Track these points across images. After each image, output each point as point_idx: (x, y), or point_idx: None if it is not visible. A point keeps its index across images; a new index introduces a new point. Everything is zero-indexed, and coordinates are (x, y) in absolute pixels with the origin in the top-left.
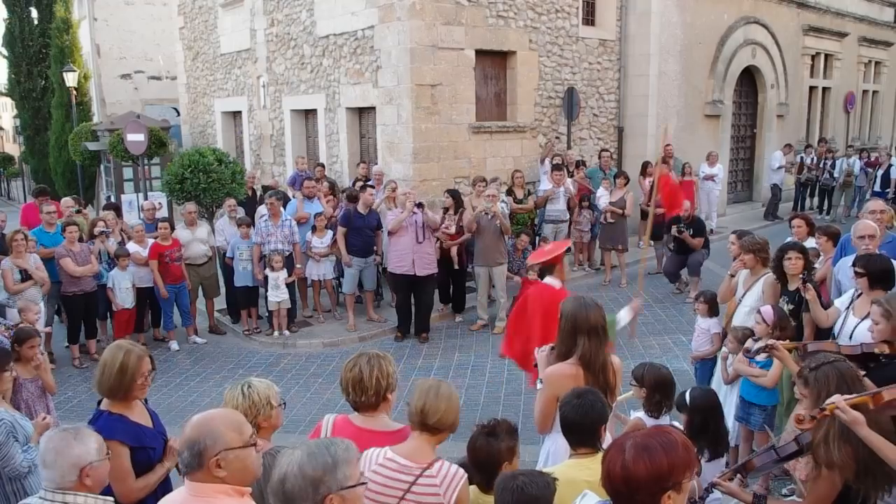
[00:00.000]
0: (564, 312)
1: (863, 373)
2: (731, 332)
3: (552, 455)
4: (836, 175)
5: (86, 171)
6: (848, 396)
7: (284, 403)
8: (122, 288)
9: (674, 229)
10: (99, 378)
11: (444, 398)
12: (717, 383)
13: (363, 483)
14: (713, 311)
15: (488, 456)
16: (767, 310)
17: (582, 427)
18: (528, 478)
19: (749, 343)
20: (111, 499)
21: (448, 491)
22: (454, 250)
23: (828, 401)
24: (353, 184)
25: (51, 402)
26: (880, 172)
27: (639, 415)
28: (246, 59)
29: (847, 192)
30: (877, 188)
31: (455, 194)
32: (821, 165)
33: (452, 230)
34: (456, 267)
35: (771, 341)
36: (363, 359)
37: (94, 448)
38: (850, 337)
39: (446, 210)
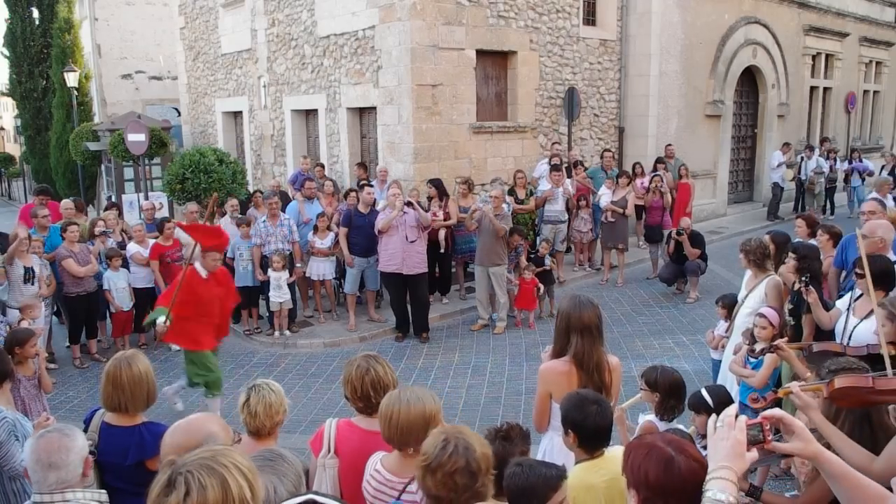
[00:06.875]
0: (560, 310)
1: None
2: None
3: (548, 453)
4: (803, 178)
5: (87, 171)
6: (802, 383)
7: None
8: (118, 288)
9: (673, 231)
10: (143, 394)
11: (413, 423)
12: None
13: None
14: (731, 315)
15: (503, 460)
16: (771, 312)
17: (607, 432)
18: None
19: (756, 344)
20: (104, 491)
21: None
22: (442, 233)
23: (784, 386)
24: (358, 184)
25: (45, 402)
26: (885, 173)
27: (649, 418)
28: (247, 60)
29: (820, 196)
30: None
31: (437, 183)
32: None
33: (441, 216)
34: (442, 251)
35: (777, 342)
36: (370, 361)
37: (84, 439)
38: (850, 337)
39: (430, 199)
